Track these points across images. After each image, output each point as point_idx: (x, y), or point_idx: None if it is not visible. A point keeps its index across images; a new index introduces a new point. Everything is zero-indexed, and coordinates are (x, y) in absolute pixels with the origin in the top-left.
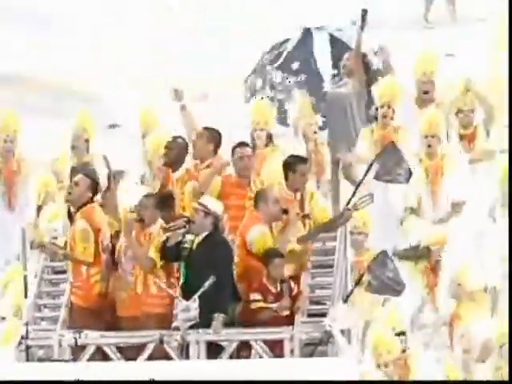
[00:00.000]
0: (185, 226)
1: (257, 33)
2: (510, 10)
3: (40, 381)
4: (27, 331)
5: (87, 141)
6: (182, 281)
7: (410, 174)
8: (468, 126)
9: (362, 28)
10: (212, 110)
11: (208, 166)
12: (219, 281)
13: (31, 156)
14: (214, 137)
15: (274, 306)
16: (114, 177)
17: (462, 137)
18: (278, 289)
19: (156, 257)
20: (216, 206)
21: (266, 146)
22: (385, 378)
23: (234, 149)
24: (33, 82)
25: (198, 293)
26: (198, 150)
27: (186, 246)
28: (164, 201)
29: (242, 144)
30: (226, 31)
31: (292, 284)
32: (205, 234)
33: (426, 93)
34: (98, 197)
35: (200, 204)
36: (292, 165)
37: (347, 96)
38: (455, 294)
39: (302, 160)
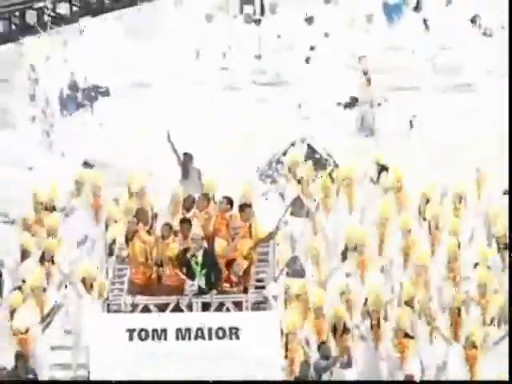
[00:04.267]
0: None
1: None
2: (510, 9)
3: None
4: (108, 296)
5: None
6: (197, 272)
7: (308, 212)
8: None
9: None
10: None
11: (206, 213)
12: (209, 272)
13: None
14: (207, 197)
15: (235, 289)
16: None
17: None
18: (239, 278)
19: (172, 260)
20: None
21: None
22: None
23: (221, 199)
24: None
25: (198, 277)
26: (200, 203)
27: (194, 255)
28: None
29: (225, 197)
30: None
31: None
32: (202, 249)
33: None
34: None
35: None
36: (242, 208)
37: None
38: None
39: (247, 205)
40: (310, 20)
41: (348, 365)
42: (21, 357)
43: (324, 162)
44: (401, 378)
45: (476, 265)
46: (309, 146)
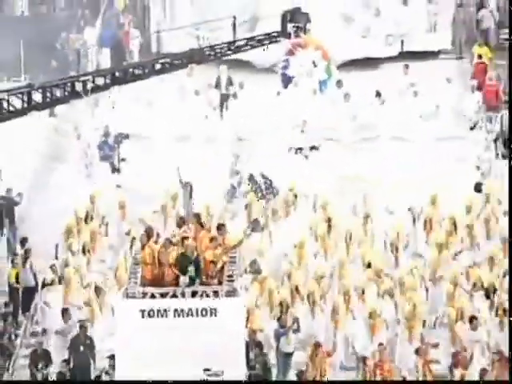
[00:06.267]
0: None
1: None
2: (510, 10)
3: None
4: (127, 287)
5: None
6: (190, 269)
7: (263, 228)
8: None
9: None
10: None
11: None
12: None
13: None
14: (198, 216)
15: (214, 282)
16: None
17: None
18: (216, 273)
19: (172, 262)
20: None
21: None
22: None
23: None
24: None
25: (189, 273)
26: (189, 222)
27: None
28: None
29: (198, 221)
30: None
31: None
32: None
33: None
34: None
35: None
36: (218, 226)
37: None
38: None
39: (222, 225)
40: (278, 93)
41: (297, 330)
42: (83, 327)
43: (260, 187)
44: (334, 339)
45: (370, 264)
46: (252, 177)
